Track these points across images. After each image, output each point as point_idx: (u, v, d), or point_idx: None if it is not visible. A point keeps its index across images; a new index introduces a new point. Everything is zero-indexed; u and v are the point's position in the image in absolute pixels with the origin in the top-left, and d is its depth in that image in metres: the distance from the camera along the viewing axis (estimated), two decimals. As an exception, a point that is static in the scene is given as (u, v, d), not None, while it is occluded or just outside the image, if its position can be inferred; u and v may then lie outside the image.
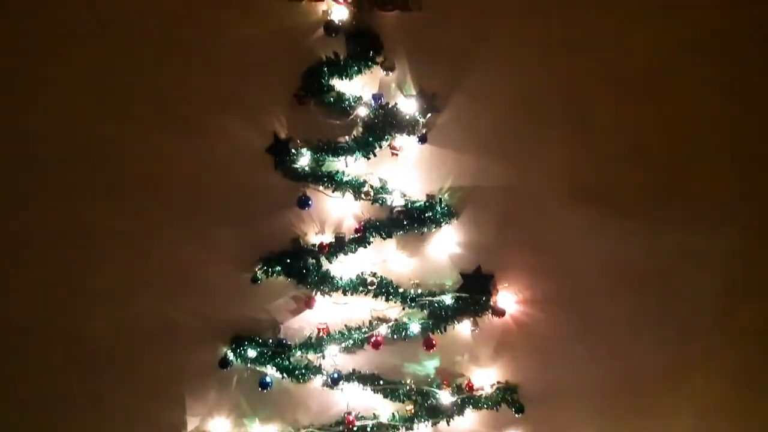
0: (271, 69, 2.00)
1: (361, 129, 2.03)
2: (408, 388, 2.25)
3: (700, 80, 2.05)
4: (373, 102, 1.99)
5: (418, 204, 2.08)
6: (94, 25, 1.95)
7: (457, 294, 2.16)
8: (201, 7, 1.95)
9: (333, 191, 2.08)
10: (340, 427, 2.27)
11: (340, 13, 1.93)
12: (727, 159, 2.12)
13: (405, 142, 2.05)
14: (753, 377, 2.40)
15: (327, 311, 2.21)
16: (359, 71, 1.97)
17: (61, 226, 2.13)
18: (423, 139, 2.03)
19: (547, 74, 2.02)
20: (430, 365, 2.31)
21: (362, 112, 1.99)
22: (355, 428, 2.25)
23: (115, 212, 2.13)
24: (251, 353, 2.20)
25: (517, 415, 2.27)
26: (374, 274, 2.14)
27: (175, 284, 2.21)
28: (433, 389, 2.25)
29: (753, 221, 2.19)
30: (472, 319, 2.20)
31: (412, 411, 2.26)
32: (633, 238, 2.19)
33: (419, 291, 2.16)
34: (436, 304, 2.15)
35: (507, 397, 2.27)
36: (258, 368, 2.24)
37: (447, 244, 2.16)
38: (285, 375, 2.21)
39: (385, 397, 2.26)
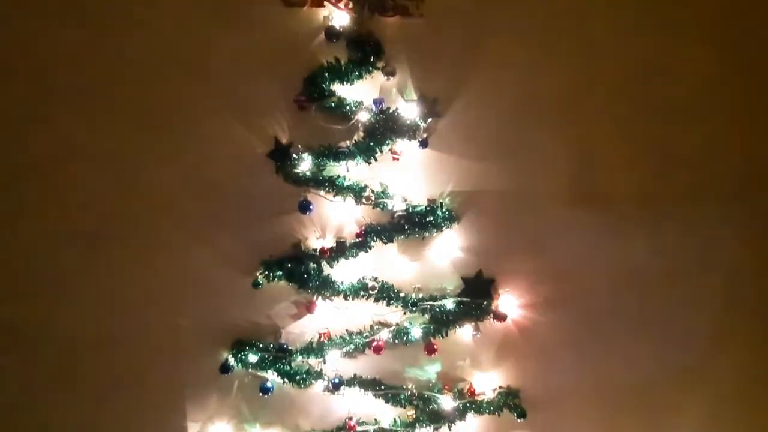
0: (272, 74, 2.01)
1: (362, 134, 2.04)
2: (409, 393, 2.25)
3: (700, 81, 2.06)
4: (374, 107, 2.00)
5: (419, 208, 2.09)
6: (99, 35, 1.97)
7: (459, 298, 2.16)
8: (203, 14, 1.96)
9: (334, 196, 2.08)
10: (342, 433, 2.27)
11: (341, 19, 1.95)
12: (729, 162, 2.13)
13: (406, 146, 2.06)
14: (756, 383, 2.39)
15: (328, 316, 2.21)
16: (360, 76, 1.99)
17: (62, 232, 2.13)
18: (424, 144, 2.04)
19: (547, 79, 2.03)
20: (431, 370, 2.31)
21: (363, 117, 2.00)
22: (356, 434, 2.25)
23: (116, 217, 2.13)
24: (252, 358, 2.19)
25: (519, 420, 2.26)
26: (375, 279, 2.13)
27: (176, 289, 2.21)
28: (434, 394, 2.24)
29: (755, 224, 2.19)
30: (473, 323, 2.20)
31: (414, 416, 2.25)
32: (634, 242, 2.19)
33: (420, 295, 2.17)
34: (437, 309, 2.15)
35: (509, 402, 2.26)
36: (259, 373, 2.24)
37: (448, 249, 2.16)
38: (286, 380, 2.20)
39: (387, 402, 2.25)
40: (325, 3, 1.95)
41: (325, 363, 2.20)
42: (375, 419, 2.28)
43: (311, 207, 2.09)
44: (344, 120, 2.02)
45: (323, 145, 2.04)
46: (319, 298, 2.17)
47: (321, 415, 2.33)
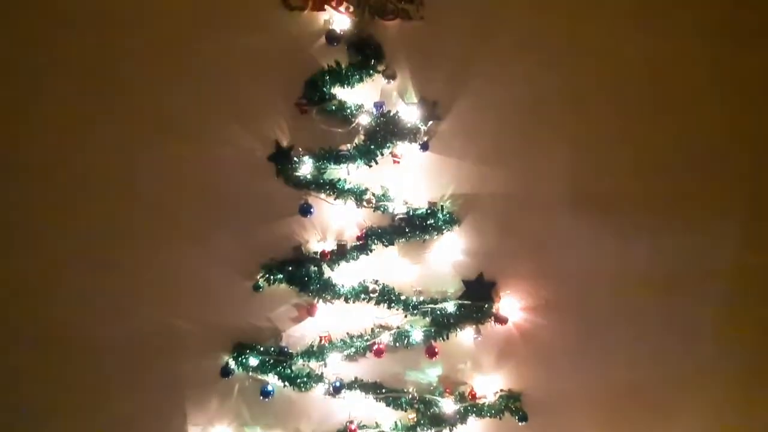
0: (273, 78, 2.02)
1: (362, 137, 2.04)
2: (410, 396, 2.24)
3: (700, 86, 2.06)
4: (374, 110, 2.00)
5: (419, 211, 2.09)
6: (101, 38, 1.98)
7: (460, 301, 2.16)
8: (204, 18, 1.97)
9: (335, 199, 2.08)
10: (342, 436, 2.27)
11: (341, 23, 1.95)
12: (730, 164, 2.13)
13: (406, 149, 2.06)
14: (757, 385, 2.38)
15: (329, 319, 2.21)
16: (361, 80, 1.99)
17: (63, 233, 2.13)
18: (424, 147, 2.04)
19: (548, 82, 2.03)
20: (432, 373, 2.30)
21: (364, 120, 2.00)
22: (357, 437, 2.24)
23: (118, 220, 2.13)
24: (253, 361, 2.19)
25: (520, 424, 2.26)
26: (376, 282, 2.13)
27: (177, 292, 2.21)
28: (435, 397, 2.24)
29: (755, 226, 2.18)
30: (474, 326, 2.20)
31: (415, 419, 2.25)
32: (635, 244, 2.19)
33: (421, 298, 2.16)
34: (438, 312, 2.15)
35: (510, 405, 2.26)
36: (260, 377, 2.24)
37: (449, 252, 2.16)
38: (287, 383, 2.20)
39: (388, 405, 2.25)
40: (326, 7, 1.95)
41: (325, 366, 2.20)
42: (376, 423, 2.27)
43: (312, 210, 2.09)
44: (345, 123, 2.02)
45: (324, 148, 2.04)
46: (320, 301, 2.17)
47: (322, 419, 2.32)
